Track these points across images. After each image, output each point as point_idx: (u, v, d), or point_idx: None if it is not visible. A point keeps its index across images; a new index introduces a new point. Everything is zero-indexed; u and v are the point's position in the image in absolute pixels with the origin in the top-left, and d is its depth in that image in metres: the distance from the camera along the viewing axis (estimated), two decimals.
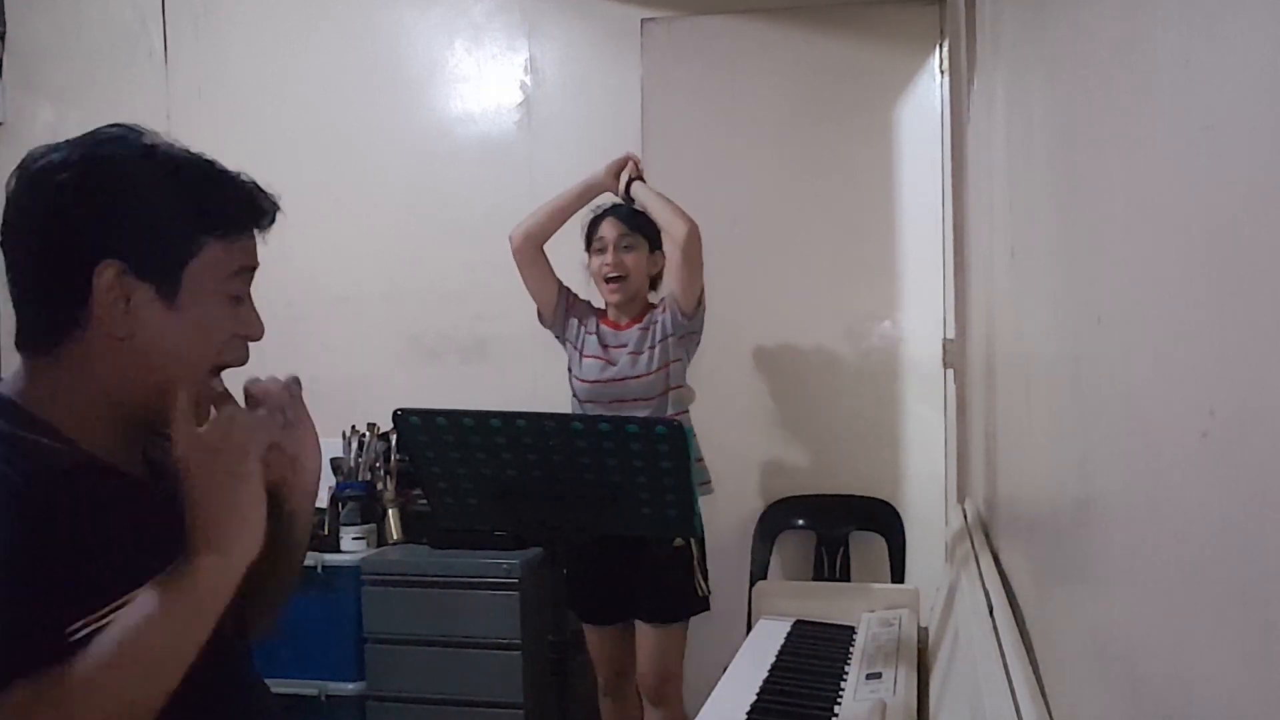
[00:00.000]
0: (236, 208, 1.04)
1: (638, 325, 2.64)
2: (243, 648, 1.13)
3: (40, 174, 0.97)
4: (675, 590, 2.58)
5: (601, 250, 2.63)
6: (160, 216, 0.99)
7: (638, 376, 2.59)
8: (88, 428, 0.98)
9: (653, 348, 2.60)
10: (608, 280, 2.63)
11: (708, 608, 2.64)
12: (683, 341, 2.61)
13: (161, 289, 0.98)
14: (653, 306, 2.68)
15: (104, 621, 0.89)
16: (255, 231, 1.06)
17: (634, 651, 2.62)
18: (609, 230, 2.63)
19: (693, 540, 2.59)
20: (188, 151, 1.03)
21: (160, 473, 1.06)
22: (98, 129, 1.01)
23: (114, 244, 0.96)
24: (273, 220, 1.07)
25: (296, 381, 1.11)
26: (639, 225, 2.64)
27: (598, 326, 2.68)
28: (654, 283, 2.72)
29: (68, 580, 0.89)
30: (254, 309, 1.07)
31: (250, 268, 1.06)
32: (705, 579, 2.63)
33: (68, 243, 0.96)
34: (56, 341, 0.98)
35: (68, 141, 0.99)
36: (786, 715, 1.49)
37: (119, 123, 1.02)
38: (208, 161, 1.04)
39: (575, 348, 2.66)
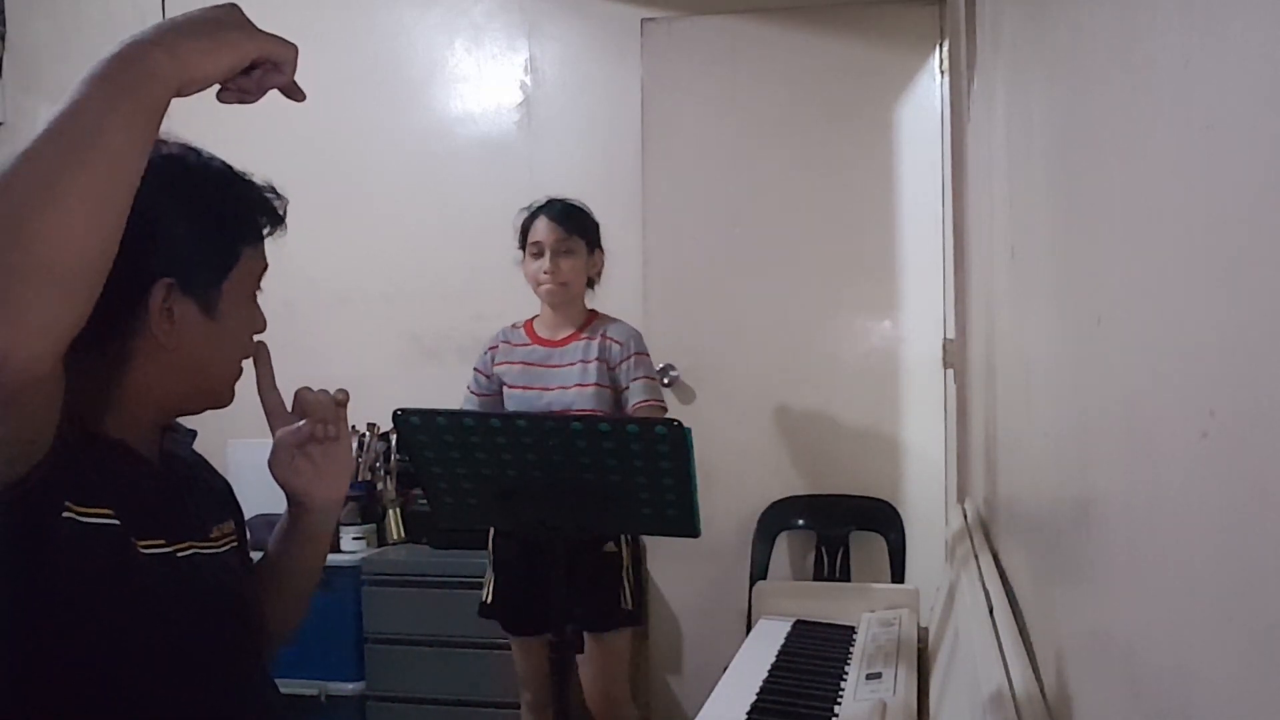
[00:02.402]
0: (262, 215, 1.07)
1: (578, 341, 2.53)
2: (255, 653, 1.14)
3: None
4: (603, 598, 2.46)
5: (538, 255, 2.49)
6: (203, 233, 1.01)
7: (577, 386, 2.49)
8: (114, 420, 0.99)
9: (588, 361, 2.50)
10: (543, 284, 2.50)
11: (637, 623, 2.55)
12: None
13: (204, 304, 1.01)
14: (594, 315, 2.58)
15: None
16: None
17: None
18: (545, 234, 2.48)
19: (625, 548, 2.52)
20: (210, 158, 1.05)
21: (170, 461, 1.08)
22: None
23: (165, 261, 0.98)
24: (284, 218, 1.09)
25: (345, 394, 1.16)
26: (576, 226, 2.51)
27: (522, 352, 2.56)
28: (592, 281, 2.59)
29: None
30: (259, 305, 1.10)
31: (267, 265, 1.09)
32: (634, 591, 2.53)
33: (124, 257, 0.96)
34: (93, 344, 0.98)
35: None
36: (786, 715, 1.49)
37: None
38: (230, 169, 1.06)
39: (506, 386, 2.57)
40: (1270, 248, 0.42)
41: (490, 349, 2.62)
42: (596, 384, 2.49)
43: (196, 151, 1.04)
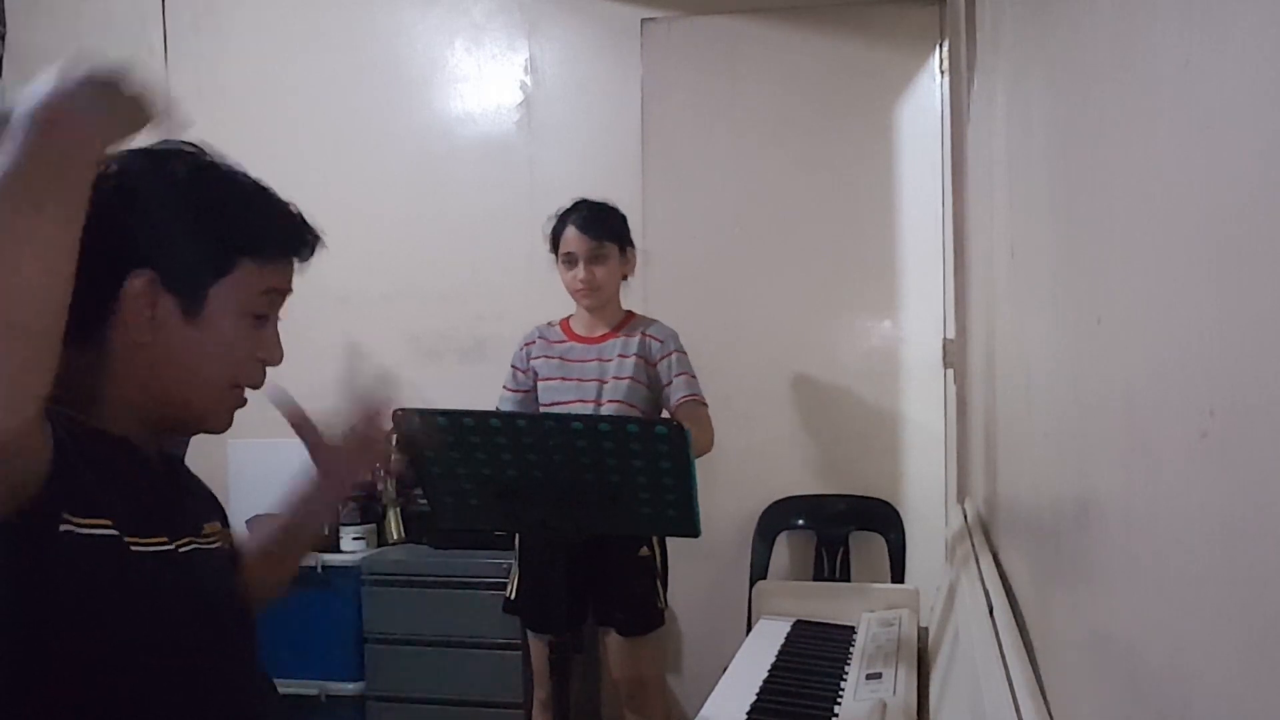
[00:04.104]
0: (275, 232, 1.05)
1: (616, 338, 2.55)
2: (251, 647, 1.14)
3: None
4: (640, 602, 2.50)
5: (571, 264, 2.51)
6: (195, 233, 1.00)
7: (614, 380, 2.51)
8: (101, 415, 0.99)
9: (626, 357, 2.52)
10: (579, 292, 2.53)
11: (664, 623, 2.58)
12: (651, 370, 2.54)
13: (185, 303, 0.99)
14: (631, 316, 2.60)
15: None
16: (295, 260, 1.07)
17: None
18: (577, 245, 2.49)
19: (657, 550, 2.54)
20: (243, 174, 1.05)
21: (168, 460, 1.07)
22: (165, 140, 1.00)
23: (148, 254, 0.97)
24: (313, 252, 1.08)
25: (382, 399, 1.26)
26: (607, 231, 2.52)
27: (560, 349, 2.58)
28: (626, 276, 2.60)
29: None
30: (277, 334, 1.08)
31: (279, 290, 1.06)
32: (665, 591, 2.57)
33: (104, 246, 0.95)
34: (75, 337, 0.98)
35: (131, 150, 0.98)
36: (787, 715, 1.49)
37: (184, 140, 1.02)
38: (257, 184, 1.05)
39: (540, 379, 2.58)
40: (1270, 247, 0.42)
41: (526, 344, 2.63)
42: (633, 379, 2.51)
43: (227, 165, 1.03)
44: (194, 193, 1.00)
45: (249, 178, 1.05)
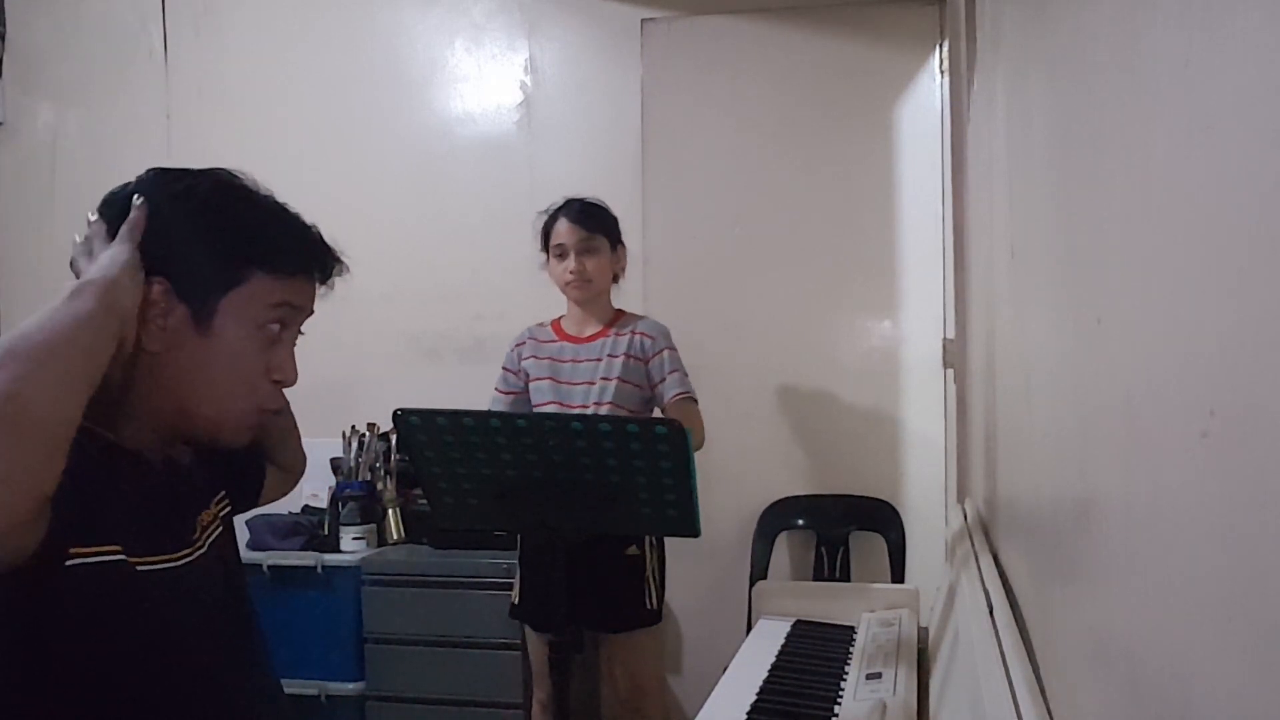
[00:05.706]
0: (291, 246, 1.05)
1: (606, 337, 2.55)
2: (260, 650, 1.15)
3: (116, 190, 1.03)
4: (624, 600, 2.49)
5: (562, 256, 2.51)
6: (211, 243, 1.01)
7: (603, 380, 2.50)
8: (111, 423, 0.99)
9: (616, 356, 2.51)
10: (570, 284, 2.53)
11: (658, 620, 2.56)
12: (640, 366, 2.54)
13: (196, 313, 0.99)
14: (620, 313, 2.60)
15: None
16: (314, 280, 1.09)
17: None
18: (568, 236, 2.50)
19: (650, 550, 2.53)
20: (266, 194, 1.06)
21: (174, 468, 1.07)
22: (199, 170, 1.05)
23: (164, 262, 0.98)
24: (329, 274, 1.10)
25: None
26: (598, 224, 2.52)
27: (550, 349, 2.58)
28: (617, 277, 2.60)
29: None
30: (292, 356, 1.08)
31: (293, 306, 1.06)
32: (658, 592, 2.55)
33: None
34: None
35: (161, 169, 1.05)
36: (787, 715, 1.49)
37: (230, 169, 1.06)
38: (276, 202, 1.06)
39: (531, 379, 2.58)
40: (1270, 247, 0.42)
41: (517, 345, 2.63)
42: (621, 379, 2.50)
43: (245, 180, 1.05)
44: (212, 205, 1.01)
45: (271, 197, 1.06)
